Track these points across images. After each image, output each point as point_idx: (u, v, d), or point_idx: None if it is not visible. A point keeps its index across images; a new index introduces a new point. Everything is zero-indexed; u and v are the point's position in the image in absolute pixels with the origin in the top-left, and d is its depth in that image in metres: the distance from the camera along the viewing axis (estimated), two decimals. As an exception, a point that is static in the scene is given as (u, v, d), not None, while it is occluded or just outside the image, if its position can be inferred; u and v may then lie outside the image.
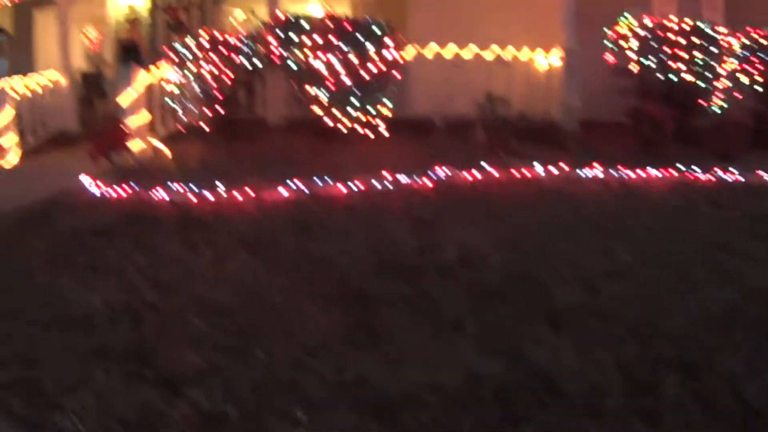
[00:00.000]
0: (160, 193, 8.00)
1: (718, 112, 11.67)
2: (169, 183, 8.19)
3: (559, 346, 3.82)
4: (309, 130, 11.23)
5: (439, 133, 11.45)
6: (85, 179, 8.54)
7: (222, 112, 11.80)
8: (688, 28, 11.52)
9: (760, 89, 11.81)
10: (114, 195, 8.16)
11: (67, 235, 6.32)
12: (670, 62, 11.46)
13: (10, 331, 4.11)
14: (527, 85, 12.30)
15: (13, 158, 11.32)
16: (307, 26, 11.21)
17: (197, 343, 3.97)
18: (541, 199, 7.60)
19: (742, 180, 9.05)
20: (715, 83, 11.66)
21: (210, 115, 11.85)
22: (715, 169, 9.25)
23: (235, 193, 7.88)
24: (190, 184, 8.10)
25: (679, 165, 9.24)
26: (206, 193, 7.92)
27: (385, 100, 11.30)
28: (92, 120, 13.99)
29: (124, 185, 8.29)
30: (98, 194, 8.21)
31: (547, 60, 12.59)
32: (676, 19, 11.65)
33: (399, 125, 11.33)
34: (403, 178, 8.35)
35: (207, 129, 11.80)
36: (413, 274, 4.99)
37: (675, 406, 3.23)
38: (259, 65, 11.63)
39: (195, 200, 7.80)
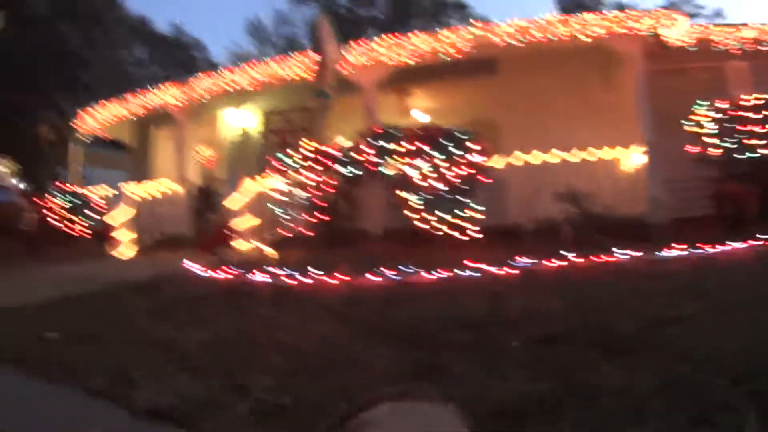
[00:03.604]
0: (258, 276, 8.59)
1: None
2: (267, 269, 8.80)
3: (609, 370, 4.03)
4: (405, 236, 11.71)
5: (527, 234, 11.74)
6: (191, 263, 9.25)
7: (323, 219, 12.42)
8: (762, 103, 11.74)
9: None
10: (216, 275, 8.81)
11: (170, 299, 6.99)
12: (747, 140, 11.64)
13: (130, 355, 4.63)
14: (611, 183, 12.65)
15: (128, 252, 12.24)
16: (398, 135, 11.87)
17: (277, 372, 4.35)
18: (616, 275, 7.76)
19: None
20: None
21: (311, 221, 12.50)
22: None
23: (327, 278, 8.37)
24: (288, 270, 8.68)
25: (759, 235, 9.27)
26: (301, 277, 8.44)
27: (473, 204, 11.72)
28: (203, 230, 14.85)
29: (225, 269, 8.95)
30: (202, 274, 8.88)
31: (629, 157, 12.95)
32: (749, 97, 11.90)
33: (489, 231, 11.68)
34: (486, 267, 8.66)
35: (308, 234, 12.43)
36: (478, 327, 5.29)
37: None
38: (357, 173, 12.27)
39: (290, 281, 8.33)
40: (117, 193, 13.73)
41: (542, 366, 3.99)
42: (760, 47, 13.85)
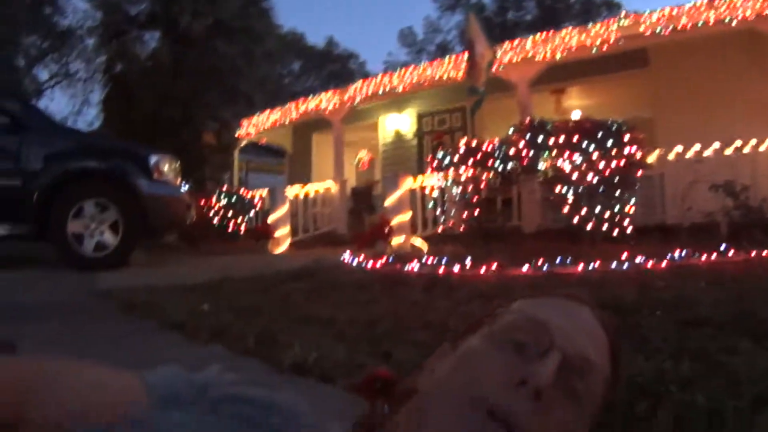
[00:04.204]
0: (411, 266, 8.68)
1: None
2: (420, 261, 8.88)
3: (753, 355, 3.87)
4: (558, 233, 11.58)
5: (682, 229, 11.37)
6: (347, 255, 9.46)
7: (476, 215, 12.42)
8: None
9: None
10: (371, 266, 8.96)
11: (325, 283, 7.21)
12: None
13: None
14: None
15: (284, 248, 12.64)
16: (550, 128, 11.73)
17: (421, 345, 4.36)
18: None
19: None
20: None
21: (465, 218, 12.52)
22: None
23: (478, 269, 8.36)
24: (441, 260, 8.74)
25: None
26: (453, 268, 8.47)
27: (629, 198, 11.46)
28: (358, 227, 15.14)
29: (380, 260, 9.10)
30: (357, 265, 9.06)
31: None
32: None
33: (643, 227, 11.52)
34: (640, 260, 8.45)
35: (462, 230, 12.47)
36: (627, 311, 5.17)
37: None
38: (511, 169, 12.20)
39: (442, 271, 8.37)
40: (275, 193, 14.19)
41: (686, 347, 3.85)
42: None
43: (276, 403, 1.14)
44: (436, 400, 1.10)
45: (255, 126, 22.61)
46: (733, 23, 13.14)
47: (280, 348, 3.95)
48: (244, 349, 4.08)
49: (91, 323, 5.32)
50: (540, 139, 11.75)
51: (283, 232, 13.96)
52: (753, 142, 12.20)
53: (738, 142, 12.21)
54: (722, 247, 8.79)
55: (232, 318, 5.02)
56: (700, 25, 13.45)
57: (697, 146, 12.44)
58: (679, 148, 12.57)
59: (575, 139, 11.35)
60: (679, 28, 13.63)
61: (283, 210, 13.97)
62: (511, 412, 1.03)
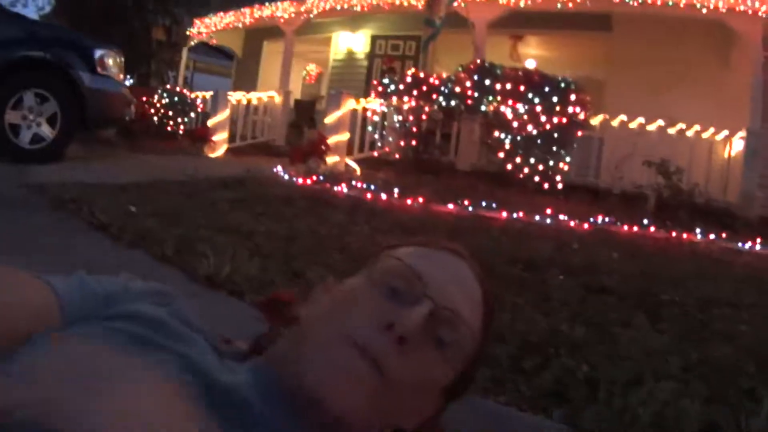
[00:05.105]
0: (341, 187, 8.83)
1: None
2: (351, 183, 9.04)
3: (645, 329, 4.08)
4: (490, 175, 11.79)
5: (611, 196, 11.67)
6: (280, 168, 9.58)
7: (415, 146, 12.56)
8: None
9: None
10: (301, 182, 9.11)
11: (252, 195, 7.31)
12: None
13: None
14: (706, 165, 12.35)
15: (221, 153, 12.67)
16: (500, 74, 11.85)
17: (334, 266, 4.51)
18: (688, 254, 7.71)
19: None
20: None
21: (402, 146, 12.66)
22: None
23: (405, 200, 8.54)
24: (370, 186, 8.91)
25: None
26: (382, 194, 8.65)
27: (565, 156, 11.71)
28: (297, 141, 15.14)
29: (312, 178, 9.25)
30: (288, 179, 9.20)
31: (731, 143, 12.59)
32: None
33: (574, 186, 11.74)
34: (562, 218, 8.70)
35: (397, 158, 12.61)
36: (537, 268, 5.37)
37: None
38: (454, 106, 12.33)
39: (370, 196, 8.55)
40: (218, 97, 14.13)
41: (585, 312, 4.05)
42: None
43: (166, 323, 1.18)
44: (313, 331, 1.17)
45: (207, 27, 22.28)
46: (704, 11, 13.31)
47: (197, 258, 4.04)
48: (162, 256, 4.16)
49: (20, 216, 5.30)
50: (487, 82, 11.87)
51: (221, 137, 13.96)
52: (697, 127, 12.46)
53: (682, 125, 12.44)
54: (645, 222, 9.08)
55: (156, 223, 5.06)
56: (670, 4, 13.60)
57: (641, 119, 12.63)
58: (623, 117, 12.74)
59: (522, 88, 11.50)
60: (649, 1, 13.77)
61: (223, 115, 13.95)
62: (378, 352, 1.11)
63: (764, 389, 2.86)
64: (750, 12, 12.95)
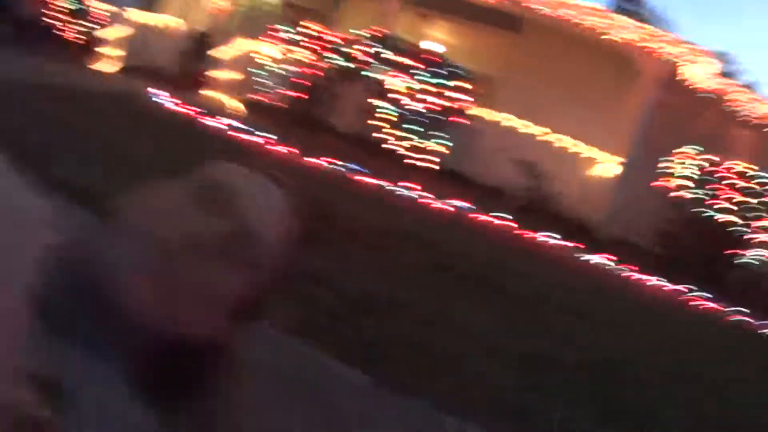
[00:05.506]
0: (214, 120, 8.81)
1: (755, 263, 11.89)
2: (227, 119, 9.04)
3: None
4: (371, 144, 11.91)
5: (482, 188, 11.79)
6: (157, 91, 9.51)
7: (301, 98, 12.59)
8: (745, 173, 11.94)
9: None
10: (178, 108, 9.04)
11: (123, 113, 7.23)
12: (717, 202, 11.85)
13: None
14: (583, 180, 12.76)
15: (108, 69, 12.43)
16: (398, 46, 11.98)
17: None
18: (535, 252, 7.96)
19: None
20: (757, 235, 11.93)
21: (288, 96, 12.66)
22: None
23: (277, 146, 8.59)
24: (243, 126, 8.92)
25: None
26: (253, 136, 8.67)
27: (443, 139, 11.95)
28: (187, 69, 14.89)
29: (190, 106, 9.19)
30: (164, 103, 9.14)
31: (604, 164, 12.98)
32: (739, 164, 12.05)
33: (446, 172, 11.93)
34: (428, 197, 8.89)
35: (279, 106, 12.59)
36: (383, 234, 5.50)
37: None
38: (348, 68, 12.39)
39: (238, 135, 8.56)
40: (119, 13, 13.84)
41: (422, 283, 4.26)
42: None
43: None
44: (121, 231, 1.12)
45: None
46: (615, 38, 13.58)
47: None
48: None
49: None
50: (385, 52, 11.97)
51: (113, 52, 13.69)
52: (581, 143, 12.87)
53: (565, 137, 12.85)
54: (505, 216, 9.40)
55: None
56: (581, 22, 13.88)
57: (527, 122, 12.98)
58: (507, 116, 13.03)
59: (417, 65, 11.67)
60: (558, 16, 14.10)
61: (120, 32, 13.67)
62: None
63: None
64: (654, 53, 13.39)
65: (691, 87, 13.36)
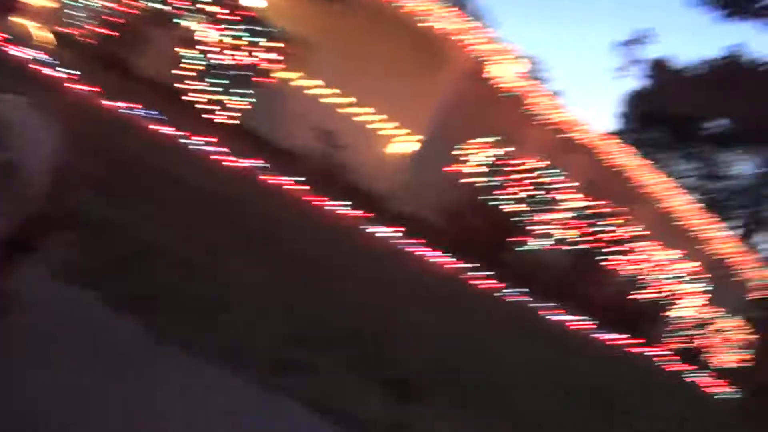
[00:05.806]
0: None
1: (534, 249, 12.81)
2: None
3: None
4: (174, 92, 11.64)
5: (279, 150, 11.85)
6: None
7: (108, 36, 12.17)
8: (535, 170, 12.75)
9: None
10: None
11: None
12: (506, 192, 12.61)
13: None
14: (381, 154, 13.14)
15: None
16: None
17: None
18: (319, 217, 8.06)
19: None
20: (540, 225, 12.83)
21: (94, 31, 12.20)
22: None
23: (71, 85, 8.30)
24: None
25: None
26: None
27: (247, 96, 11.84)
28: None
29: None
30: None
31: (403, 141, 13.34)
32: (531, 160, 12.89)
33: (247, 132, 11.79)
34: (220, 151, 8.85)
35: (88, 42, 12.13)
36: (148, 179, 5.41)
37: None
38: (159, 10, 12.05)
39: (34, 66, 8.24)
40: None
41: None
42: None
43: None
44: None
45: None
46: (427, 23, 13.89)
47: None
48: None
49: None
50: (202, 0, 11.74)
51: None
52: (379, 117, 13.23)
53: (367, 110, 13.17)
54: (297, 179, 9.53)
55: None
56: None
57: (335, 90, 13.17)
58: (316, 82, 13.17)
59: (231, 18, 11.56)
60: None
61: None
62: None
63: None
64: (465, 47, 13.74)
65: (495, 84, 13.89)
